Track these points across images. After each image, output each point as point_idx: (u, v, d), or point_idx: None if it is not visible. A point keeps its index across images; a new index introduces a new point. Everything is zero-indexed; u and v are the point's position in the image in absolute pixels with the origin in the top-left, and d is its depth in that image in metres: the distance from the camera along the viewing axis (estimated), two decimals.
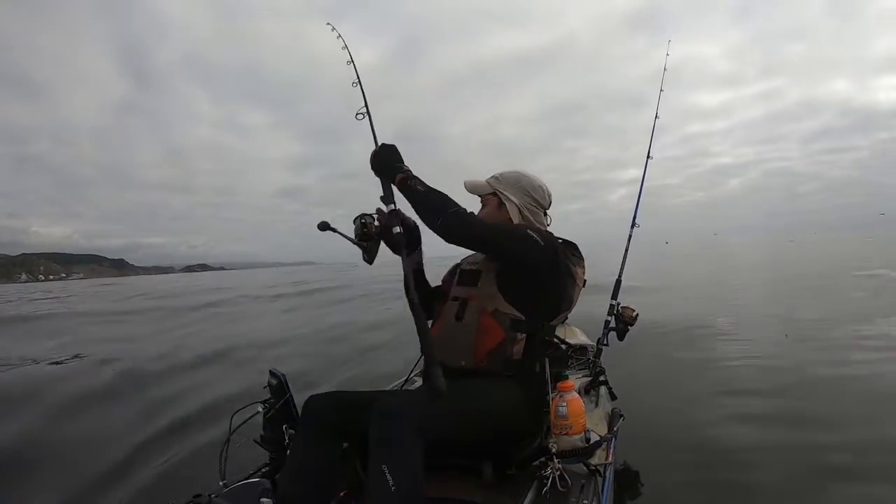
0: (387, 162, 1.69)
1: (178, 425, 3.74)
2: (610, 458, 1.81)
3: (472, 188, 1.98)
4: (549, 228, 1.96)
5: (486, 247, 1.74)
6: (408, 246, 1.78)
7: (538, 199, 1.94)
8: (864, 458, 2.60)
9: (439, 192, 1.67)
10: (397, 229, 1.69)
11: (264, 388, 1.85)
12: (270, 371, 1.88)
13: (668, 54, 3.61)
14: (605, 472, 1.68)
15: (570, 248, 1.93)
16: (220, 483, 1.61)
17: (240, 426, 1.77)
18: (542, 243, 1.72)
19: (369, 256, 1.76)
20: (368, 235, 1.73)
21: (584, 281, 1.94)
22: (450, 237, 1.63)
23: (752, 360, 4.67)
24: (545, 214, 1.99)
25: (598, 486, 1.59)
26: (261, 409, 1.81)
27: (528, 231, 1.73)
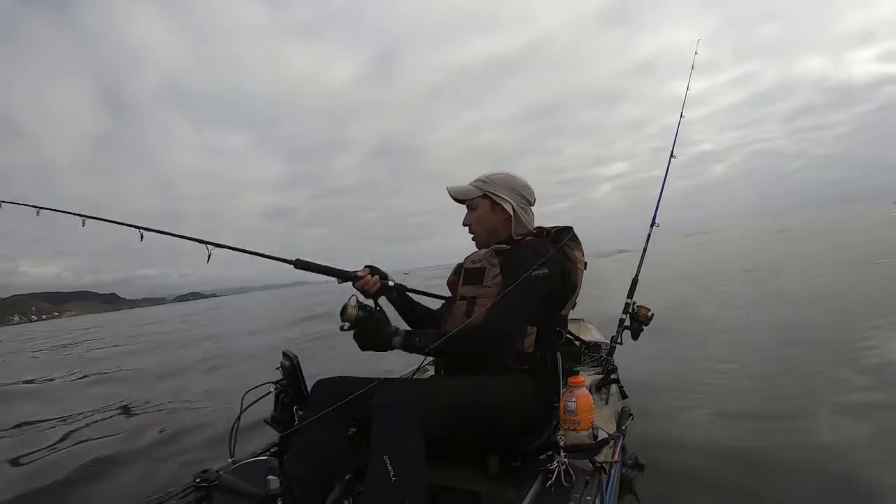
0: (374, 341, 1.66)
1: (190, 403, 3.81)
2: (616, 457, 1.81)
3: (459, 194, 1.98)
4: (534, 221, 1.98)
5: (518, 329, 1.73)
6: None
7: (527, 197, 1.97)
8: None
9: (436, 334, 1.63)
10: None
11: (277, 368, 1.87)
12: (284, 352, 1.90)
13: (696, 52, 3.58)
14: (610, 470, 1.67)
15: (566, 233, 1.93)
16: (229, 460, 1.63)
17: (251, 405, 1.79)
18: (550, 271, 1.73)
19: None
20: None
21: (585, 263, 1.93)
22: (489, 355, 1.69)
23: (774, 362, 4.59)
24: (531, 211, 2.00)
25: (602, 483, 1.59)
26: (272, 390, 1.83)
27: (535, 276, 1.68)
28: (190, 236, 2.07)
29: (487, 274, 1.85)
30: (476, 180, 1.97)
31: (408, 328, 1.77)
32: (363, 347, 1.69)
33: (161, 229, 2.15)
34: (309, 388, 1.78)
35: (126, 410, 4.29)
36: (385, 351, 1.68)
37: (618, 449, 1.87)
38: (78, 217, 2.21)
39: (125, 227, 2.17)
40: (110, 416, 4.01)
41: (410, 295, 2.12)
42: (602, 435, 1.64)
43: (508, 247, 1.89)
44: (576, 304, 1.93)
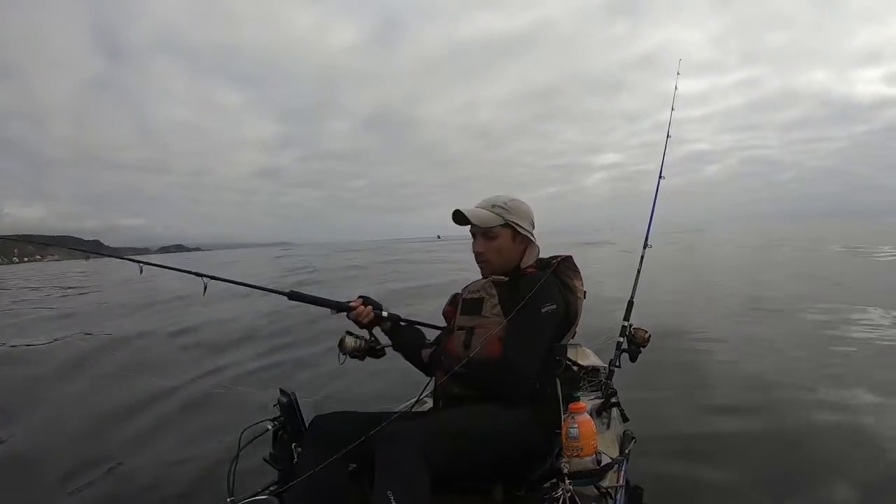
0: (407, 348, 1.98)
1: (188, 440, 3.74)
2: (621, 481, 1.79)
3: (479, 221, 1.87)
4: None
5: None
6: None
7: (534, 224, 1.97)
8: None
9: (469, 361, 1.67)
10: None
11: (274, 405, 1.86)
12: (280, 389, 1.88)
13: (678, 73, 3.65)
14: (616, 495, 1.66)
15: (566, 263, 1.94)
16: (228, 500, 1.61)
17: (249, 443, 1.77)
18: (557, 306, 1.77)
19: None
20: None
21: (584, 293, 1.94)
22: (504, 393, 1.69)
23: (779, 378, 4.56)
24: None
25: None
26: (270, 427, 1.81)
27: (546, 312, 1.73)
28: (187, 269, 2.07)
29: (486, 304, 1.86)
30: (493, 206, 1.89)
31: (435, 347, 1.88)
32: (396, 348, 1.98)
33: (160, 264, 2.21)
34: (307, 424, 1.76)
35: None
36: (414, 358, 1.95)
37: (622, 473, 1.85)
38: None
39: (125, 260, 2.25)
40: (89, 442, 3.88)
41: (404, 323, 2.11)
42: (606, 460, 1.63)
43: (507, 278, 1.89)
44: (575, 333, 1.93)
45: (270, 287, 2.03)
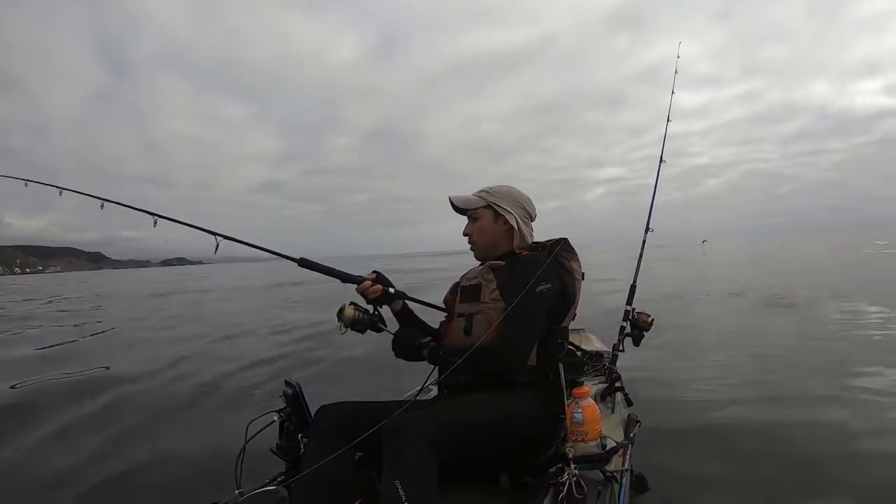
0: (407, 353, 1.83)
1: (194, 432, 3.76)
2: (626, 465, 1.79)
3: (462, 203, 1.99)
4: (533, 236, 2.01)
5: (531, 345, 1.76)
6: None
7: (529, 211, 2.00)
8: None
9: (465, 349, 1.65)
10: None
11: (280, 397, 1.86)
12: (286, 381, 1.88)
13: (678, 56, 3.62)
14: (621, 479, 1.66)
15: (563, 245, 1.93)
16: (236, 492, 1.61)
17: (255, 435, 1.77)
18: (552, 285, 1.75)
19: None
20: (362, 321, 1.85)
21: (582, 274, 1.95)
22: (505, 372, 1.72)
23: (779, 363, 4.59)
24: (531, 226, 2.03)
25: (614, 492, 1.58)
26: (276, 419, 1.81)
27: (540, 291, 1.71)
28: (201, 227, 2.10)
29: (484, 290, 1.86)
30: (480, 191, 1.99)
31: (433, 342, 1.80)
32: (397, 354, 1.86)
33: (175, 218, 2.19)
34: (312, 415, 1.77)
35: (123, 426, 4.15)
36: (416, 361, 1.81)
37: (627, 457, 1.86)
38: (97, 199, 2.26)
39: (140, 212, 2.19)
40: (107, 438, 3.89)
41: (410, 304, 2.10)
42: (610, 444, 1.63)
43: (504, 263, 1.90)
44: (576, 314, 1.93)
45: (281, 252, 2.02)
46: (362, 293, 1.90)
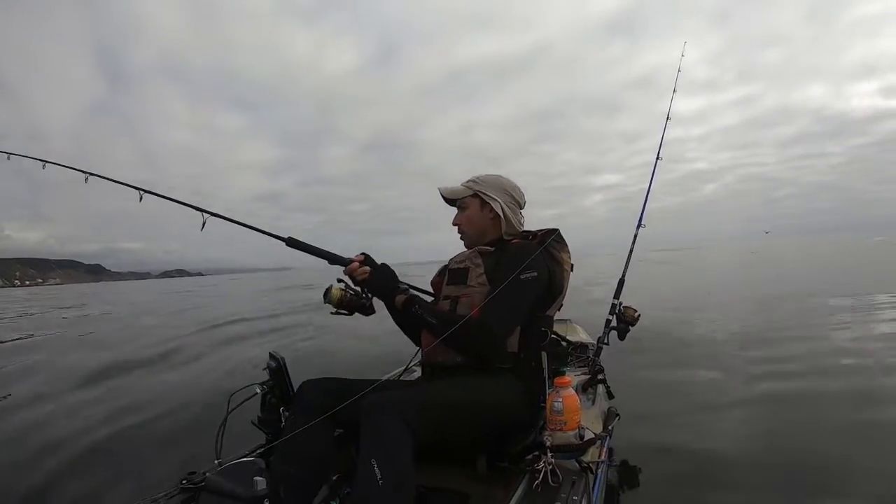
0: (383, 284, 1.77)
1: (175, 402, 3.78)
2: (603, 457, 1.82)
3: (450, 193, 2.02)
4: (523, 224, 2.02)
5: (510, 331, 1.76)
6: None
7: (517, 199, 2.01)
8: None
9: (443, 315, 1.73)
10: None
11: (263, 369, 1.86)
12: (270, 353, 1.89)
13: (682, 55, 3.61)
14: (596, 470, 1.68)
15: (553, 235, 1.94)
16: (216, 462, 1.62)
17: (237, 407, 1.78)
18: (538, 273, 1.75)
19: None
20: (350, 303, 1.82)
21: (572, 265, 1.95)
22: (480, 354, 1.72)
23: (766, 364, 4.62)
24: (520, 214, 2.04)
25: (588, 483, 1.60)
26: (258, 391, 1.82)
27: (524, 278, 1.71)
28: (187, 202, 2.09)
29: (471, 274, 1.87)
30: (468, 181, 2.00)
31: (415, 293, 1.80)
32: (371, 290, 1.78)
33: (160, 193, 2.19)
34: (295, 389, 1.77)
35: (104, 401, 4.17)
36: (388, 301, 1.79)
37: (604, 449, 1.88)
38: (81, 173, 2.27)
39: (125, 187, 2.21)
40: (91, 408, 3.91)
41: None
42: (588, 435, 1.65)
43: (493, 249, 1.90)
44: (562, 305, 1.94)
45: (268, 231, 1.99)
46: (350, 275, 1.86)
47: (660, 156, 3.27)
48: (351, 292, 1.81)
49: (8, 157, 2.45)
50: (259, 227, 2.01)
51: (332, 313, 1.80)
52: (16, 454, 3.09)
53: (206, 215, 2.02)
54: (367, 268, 1.82)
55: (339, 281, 1.81)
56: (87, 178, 2.24)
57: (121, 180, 2.23)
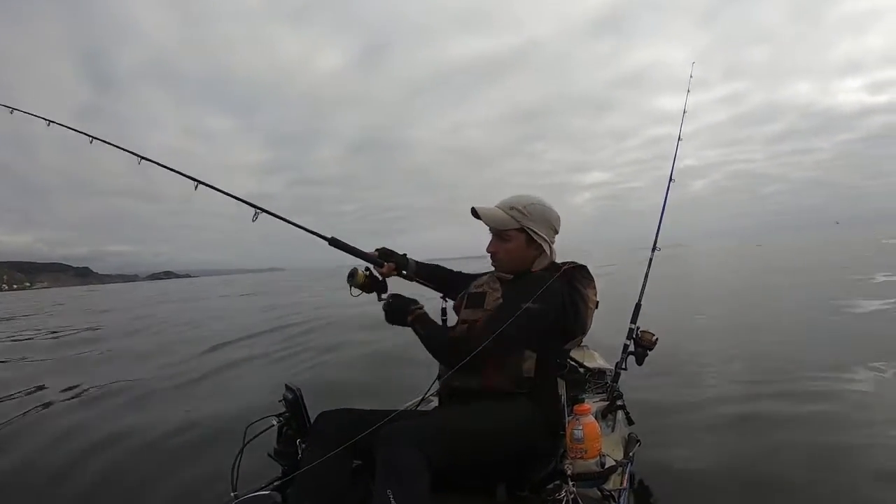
0: (399, 315, 1.85)
1: (194, 436, 3.76)
2: (625, 484, 1.78)
3: (492, 222, 1.89)
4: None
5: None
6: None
7: (557, 230, 1.94)
8: None
9: (434, 327, 1.82)
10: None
11: (279, 401, 1.86)
12: (286, 385, 1.89)
13: (691, 76, 3.62)
14: (619, 498, 1.65)
15: (580, 271, 1.91)
16: (232, 494, 1.61)
17: (253, 439, 1.77)
18: (545, 307, 1.71)
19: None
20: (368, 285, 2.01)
21: (597, 303, 1.91)
22: (446, 363, 1.79)
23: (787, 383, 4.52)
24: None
25: None
26: (275, 423, 1.81)
27: (526, 307, 1.67)
28: (240, 198, 2.20)
29: (488, 298, 1.87)
30: (511, 207, 1.87)
31: (422, 313, 1.84)
32: (388, 318, 1.89)
33: (215, 186, 2.27)
34: (312, 421, 1.76)
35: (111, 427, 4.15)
36: (402, 325, 1.85)
37: (626, 476, 1.85)
38: (134, 156, 2.39)
39: (180, 175, 2.31)
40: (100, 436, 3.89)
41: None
42: (609, 462, 1.62)
43: (511, 276, 1.89)
44: (582, 340, 1.92)
45: (313, 230, 2.12)
46: (379, 273, 2.02)
47: (672, 178, 3.26)
48: (373, 278, 2.01)
49: (11, 112, 2.54)
50: (305, 227, 2.15)
51: (353, 295, 1.98)
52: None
53: (257, 211, 2.12)
54: (392, 264, 2.05)
55: (366, 268, 2.01)
56: (91, 141, 2.36)
57: (122, 146, 2.35)
